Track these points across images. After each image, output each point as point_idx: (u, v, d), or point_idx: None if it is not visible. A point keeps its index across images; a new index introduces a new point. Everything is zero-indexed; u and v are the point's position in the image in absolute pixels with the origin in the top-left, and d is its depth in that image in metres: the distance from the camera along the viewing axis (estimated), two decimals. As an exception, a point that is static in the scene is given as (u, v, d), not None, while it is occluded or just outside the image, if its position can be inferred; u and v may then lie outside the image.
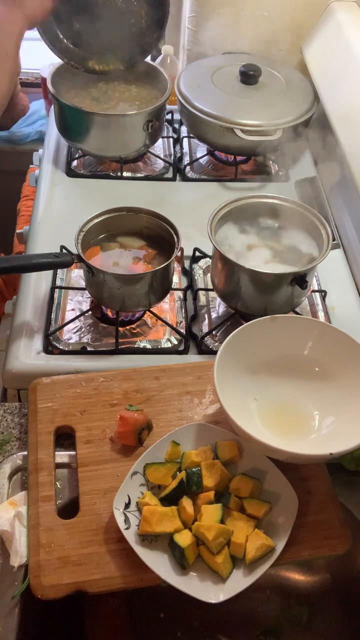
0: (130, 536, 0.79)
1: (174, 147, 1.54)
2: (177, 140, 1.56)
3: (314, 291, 1.19)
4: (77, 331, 1.10)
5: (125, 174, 1.44)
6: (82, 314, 1.11)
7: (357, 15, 1.45)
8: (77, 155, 1.46)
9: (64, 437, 0.93)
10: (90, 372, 0.99)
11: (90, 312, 1.12)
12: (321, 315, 1.16)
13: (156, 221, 1.10)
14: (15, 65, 1.02)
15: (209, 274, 1.21)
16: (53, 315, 1.11)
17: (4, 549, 0.82)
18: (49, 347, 1.06)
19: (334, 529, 0.84)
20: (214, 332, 1.11)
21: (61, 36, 1.31)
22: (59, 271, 1.19)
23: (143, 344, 1.08)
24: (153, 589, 0.79)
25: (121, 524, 0.80)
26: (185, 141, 1.56)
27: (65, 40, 1.32)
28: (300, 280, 1.00)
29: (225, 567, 0.78)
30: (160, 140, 1.52)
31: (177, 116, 1.57)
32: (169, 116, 1.59)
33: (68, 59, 1.34)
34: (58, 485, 0.89)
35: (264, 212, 1.13)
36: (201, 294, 1.18)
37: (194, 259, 1.24)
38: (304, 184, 1.42)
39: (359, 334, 0.92)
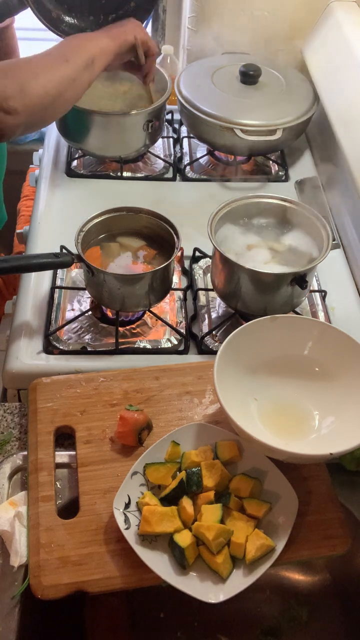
0: (130, 536, 0.79)
1: (174, 147, 1.54)
2: (177, 140, 1.56)
3: (314, 291, 1.19)
4: (77, 331, 1.10)
5: (125, 174, 1.44)
6: (82, 314, 1.11)
7: (357, 15, 1.45)
8: (77, 155, 1.46)
9: (64, 437, 0.93)
10: (90, 372, 0.99)
11: (90, 312, 1.12)
12: (321, 315, 1.16)
13: (156, 221, 1.10)
14: (76, 75, 1.05)
15: (209, 274, 1.21)
16: (53, 315, 1.11)
17: (4, 549, 0.82)
18: (49, 347, 1.06)
19: (334, 529, 0.84)
20: (214, 332, 1.11)
21: (55, 7, 1.28)
22: (59, 271, 1.19)
23: (143, 344, 1.08)
24: (153, 589, 0.79)
25: (121, 524, 0.80)
26: (185, 141, 1.56)
27: (58, 9, 1.28)
28: (300, 280, 1.00)
29: (225, 567, 0.78)
30: (160, 140, 1.52)
31: (177, 116, 1.57)
32: (169, 116, 1.59)
33: (62, 32, 1.31)
34: (58, 485, 0.89)
35: (264, 212, 1.13)
36: (201, 294, 1.18)
37: (194, 259, 1.24)
38: (304, 184, 1.42)
39: (359, 334, 0.92)
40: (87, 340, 1.08)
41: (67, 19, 1.27)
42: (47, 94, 1.00)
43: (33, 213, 1.33)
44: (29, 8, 1.22)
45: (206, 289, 1.18)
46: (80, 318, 1.11)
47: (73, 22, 1.28)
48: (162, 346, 1.08)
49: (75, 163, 1.45)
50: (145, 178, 1.45)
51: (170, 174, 1.46)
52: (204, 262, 1.24)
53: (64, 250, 1.16)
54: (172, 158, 1.51)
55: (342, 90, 1.34)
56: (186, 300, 1.17)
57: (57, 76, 1.02)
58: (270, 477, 0.85)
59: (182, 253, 1.23)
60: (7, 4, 1.24)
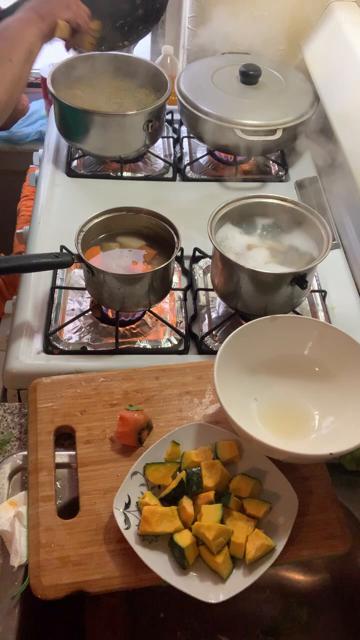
0: (130, 536, 0.79)
1: (174, 147, 1.54)
2: (177, 140, 1.56)
3: (314, 291, 1.19)
4: (77, 331, 1.10)
5: (125, 174, 1.44)
6: (82, 314, 1.11)
7: (357, 15, 1.45)
8: (77, 155, 1.46)
9: (64, 437, 0.93)
10: (90, 372, 0.99)
11: (90, 312, 1.12)
12: (321, 315, 1.16)
13: (156, 221, 1.10)
14: (21, 73, 1.04)
15: (209, 274, 1.21)
16: (53, 315, 1.11)
17: (4, 549, 0.82)
18: (49, 347, 1.06)
19: (334, 529, 0.84)
20: (214, 332, 1.11)
21: None
22: (59, 271, 1.19)
23: (143, 344, 1.09)
24: (153, 589, 0.79)
25: (121, 524, 0.80)
26: (185, 141, 1.56)
27: None
28: (300, 280, 1.00)
29: (225, 567, 0.78)
30: (160, 140, 1.52)
31: (177, 116, 1.57)
32: (169, 116, 1.59)
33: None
34: (58, 485, 0.89)
35: (264, 212, 1.13)
36: (201, 294, 1.18)
37: (194, 259, 1.24)
38: (304, 184, 1.42)
39: (359, 334, 0.92)
40: (87, 340, 1.08)
41: None
42: (0, 103, 1.00)
43: (33, 213, 1.33)
44: None
45: (206, 289, 1.18)
46: (80, 318, 1.11)
47: None
48: (162, 346, 1.08)
49: (75, 163, 1.45)
50: (145, 178, 1.45)
51: (170, 174, 1.46)
52: (204, 262, 1.24)
53: (64, 250, 1.16)
54: (172, 158, 1.51)
55: (342, 90, 1.34)
56: (186, 300, 1.17)
57: (5, 82, 1.02)
58: (270, 477, 0.85)
59: (182, 253, 1.23)
60: (12, 12, 1.25)
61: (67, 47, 1.27)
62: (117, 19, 1.31)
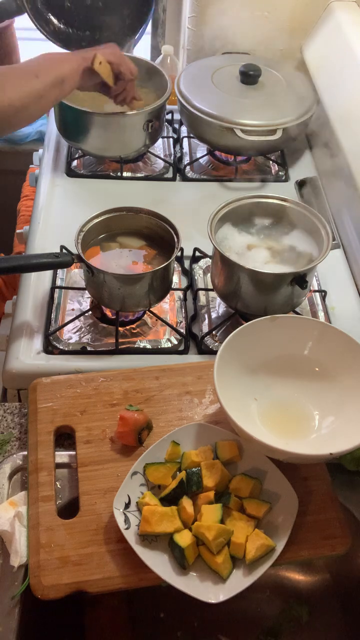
0: (130, 536, 0.79)
1: (174, 147, 1.55)
2: (177, 140, 1.56)
3: (314, 291, 1.19)
4: (77, 331, 1.10)
5: (125, 174, 1.44)
6: (82, 314, 1.11)
7: (357, 15, 1.45)
8: (77, 155, 1.46)
9: (64, 437, 0.93)
10: (90, 372, 0.99)
11: (90, 312, 1.12)
12: (321, 315, 1.16)
13: (156, 221, 1.10)
14: (44, 92, 1.05)
15: (209, 274, 1.21)
16: (53, 315, 1.11)
17: (4, 549, 0.82)
18: (49, 347, 1.06)
19: (334, 529, 0.84)
20: (214, 332, 1.11)
21: (53, 19, 1.30)
22: (59, 271, 1.19)
23: (143, 344, 1.09)
24: (153, 589, 0.79)
25: (121, 524, 0.80)
26: (185, 141, 1.56)
27: (56, 22, 1.31)
28: (300, 280, 1.00)
29: (225, 567, 0.78)
30: (160, 140, 1.52)
31: (177, 116, 1.57)
32: (169, 116, 1.59)
33: (60, 41, 1.33)
34: (58, 485, 0.89)
35: (264, 212, 1.13)
36: (201, 294, 1.18)
37: (194, 259, 1.24)
38: (304, 184, 1.42)
39: (359, 334, 0.92)
40: (87, 340, 1.08)
41: (64, 29, 1.30)
42: (12, 105, 1.01)
43: (33, 213, 1.33)
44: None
45: (206, 289, 1.18)
46: (80, 318, 1.11)
47: (70, 32, 1.30)
48: (162, 346, 1.08)
49: (75, 163, 1.45)
50: (145, 178, 1.45)
51: (170, 174, 1.46)
52: (204, 262, 1.24)
53: (64, 250, 1.16)
54: (172, 158, 1.51)
55: (342, 90, 1.34)
56: (186, 300, 1.17)
57: (24, 90, 1.03)
58: (270, 477, 0.85)
59: (182, 253, 1.23)
60: (5, 9, 1.26)
61: (110, 94, 1.26)
62: (105, 29, 1.33)
